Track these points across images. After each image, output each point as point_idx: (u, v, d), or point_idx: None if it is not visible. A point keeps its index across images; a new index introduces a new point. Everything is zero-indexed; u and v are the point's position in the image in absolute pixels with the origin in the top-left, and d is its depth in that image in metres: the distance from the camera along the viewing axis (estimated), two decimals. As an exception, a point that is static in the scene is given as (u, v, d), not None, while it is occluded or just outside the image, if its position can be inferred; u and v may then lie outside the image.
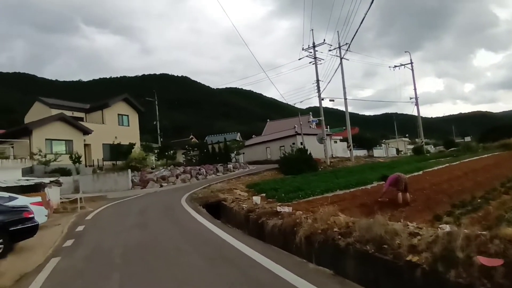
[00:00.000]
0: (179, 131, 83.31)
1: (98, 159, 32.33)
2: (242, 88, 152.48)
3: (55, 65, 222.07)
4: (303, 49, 31.79)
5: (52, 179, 16.71)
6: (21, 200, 11.65)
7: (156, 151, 36.82)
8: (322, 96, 32.09)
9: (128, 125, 36.33)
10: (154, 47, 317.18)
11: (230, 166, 31.73)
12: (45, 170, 26.51)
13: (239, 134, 53.51)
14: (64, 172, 27.01)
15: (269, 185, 19.79)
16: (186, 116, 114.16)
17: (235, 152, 34.44)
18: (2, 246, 8.25)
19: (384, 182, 12.31)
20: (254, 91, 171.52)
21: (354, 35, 34.39)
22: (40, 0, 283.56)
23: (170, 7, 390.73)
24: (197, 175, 28.26)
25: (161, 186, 24.98)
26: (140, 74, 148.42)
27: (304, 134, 35.15)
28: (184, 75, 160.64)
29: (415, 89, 41.93)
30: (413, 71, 41.98)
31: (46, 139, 28.52)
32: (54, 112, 31.45)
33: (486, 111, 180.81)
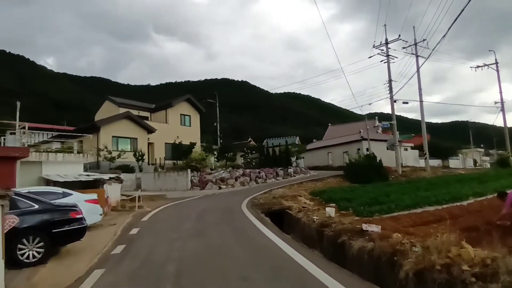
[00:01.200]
0: (238, 135, 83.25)
1: (160, 158, 32.22)
2: (300, 93, 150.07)
3: (128, 70, 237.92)
4: (374, 47, 28.91)
5: (112, 175, 16.03)
6: (75, 197, 10.71)
7: (215, 152, 36.06)
8: (392, 98, 28.82)
9: (190, 125, 36.02)
10: (217, 52, 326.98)
11: (290, 170, 29.73)
12: (110, 166, 26.64)
13: (298, 138, 51.29)
14: (128, 169, 26.97)
15: (338, 193, 17.44)
16: (244, 120, 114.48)
17: (295, 156, 32.40)
18: (43, 250, 7.08)
19: (500, 199, 9.45)
20: (312, 95, 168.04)
21: (443, 36, 30.48)
22: (117, 10, 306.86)
23: (235, 14, 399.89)
24: (257, 179, 26.65)
25: (220, 188, 23.72)
26: (203, 79, 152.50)
27: (371, 139, 32.00)
28: (244, 80, 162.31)
29: (500, 92, 36.40)
30: (498, 71, 36.57)
31: (112, 136, 28.84)
32: (122, 110, 31.94)
33: None
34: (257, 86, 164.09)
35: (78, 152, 16.23)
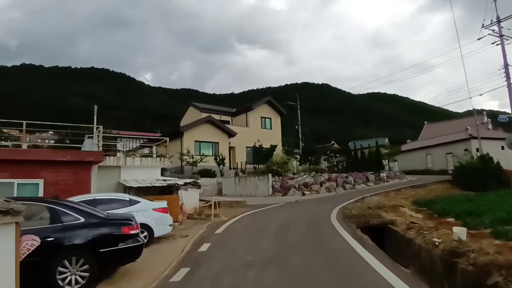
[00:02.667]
0: (319, 138, 79.66)
1: (241, 162, 31.10)
2: (385, 92, 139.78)
3: (213, 80, 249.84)
4: (483, 27, 23.65)
5: (188, 180, 14.81)
6: (143, 205, 9.37)
7: (297, 156, 33.77)
8: (510, 86, 23.08)
9: (270, 128, 34.34)
10: (297, 57, 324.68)
11: (383, 175, 25.87)
12: (193, 170, 26.18)
13: (387, 139, 46.15)
14: (209, 173, 26.23)
15: (454, 204, 13.68)
16: (325, 123, 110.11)
17: (387, 159, 28.32)
18: (88, 274, 5.57)
19: None
20: (399, 94, 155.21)
21: None
22: (203, 25, 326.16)
23: (315, 16, 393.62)
24: (344, 184, 23.57)
25: (303, 194, 21.30)
26: (283, 84, 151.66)
27: (482, 137, 26.39)
28: (324, 83, 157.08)
29: None
30: None
31: (195, 141, 28.52)
32: (204, 115, 31.65)
33: None
34: (338, 88, 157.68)
35: (158, 156, 15.39)
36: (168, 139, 17.18)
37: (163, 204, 9.84)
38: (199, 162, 26.21)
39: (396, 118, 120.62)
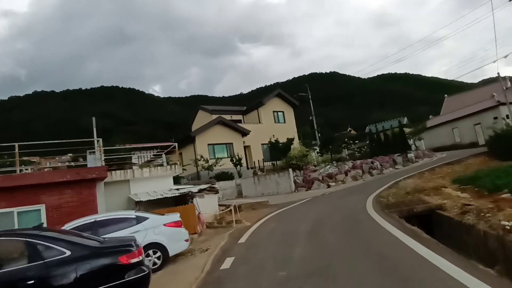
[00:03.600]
0: (334, 127, 77.57)
1: (258, 160, 29.73)
2: (396, 72, 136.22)
3: (221, 84, 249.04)
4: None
5: (204, 186, 13.52)
6: (153, 221, 8.11)
7: (316, 147, 32.18)
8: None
9: (284, 122, 32.83)
10: (302, 48, 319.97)
11: (411, 155, 23.99)
12: (209, 175, 25.00)
13: (406, 118, 43.92)
14: (226, 176, 24.99)
15: (501, 177, 11.92)
16: (339, 112, 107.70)
17: (412, 139, 26.34)
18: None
19: None
20: (410, 72, 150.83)
21: None
22: (204, 31, 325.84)
23: (314, 4, 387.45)
24: (370, 170, 21.89)
25: (329, 186, 19.77)
26: (290, 78, 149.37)
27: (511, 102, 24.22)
28: (332, 71, 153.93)
29: None
30: None
31: (208, 144, 27.34)
32: (215, 117, 30.45)
33: None
34: (347, 74, 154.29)
35: (168, 164, 14.16)
36: (176, 144, 15.89)
37: (176, 217, 8.56)
38: (214, 165, 25.02)
39: (410, 96, 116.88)
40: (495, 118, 26.02)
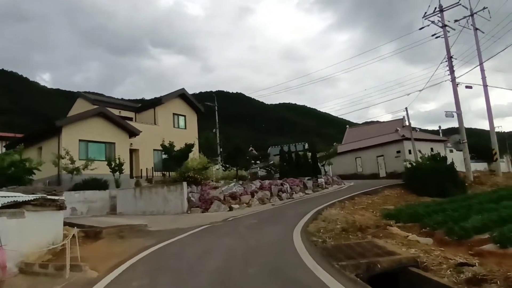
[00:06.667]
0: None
1: (147, 169, 23.84)
2: (296, 104, 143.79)
3: (124, 85, 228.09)
4: (424, 17, 21.34)
5: (29, 197, 7.60)
6: None
7: (217, 160, 27.85)
8: (454, 80, 20.96)
9: (185, 128, 27.75)
10: (214, 65, 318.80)
11: (321, 180, 21.42)
12: (72, 180, 18.26)
13: (306, 144, 43.28)
14: (99, 184, 18.57)
15: (454, 217, 9.36)
16: (241, 131, 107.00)
17: (322, 163, 24.19)
18: None
19: None
20: (308, 106, 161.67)
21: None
22: (114, 24, 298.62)
23: (232, 26, 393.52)
24: (280, 193, 18.36)
25: (230, 209, 15.39)
26: (197, 92, 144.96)
27: (416, 139, 24.06)
28: (239, 92, 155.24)
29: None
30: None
31: (79, 140, 20.45)
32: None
33: None
34: (253, 97, 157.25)
35: None
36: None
37: None
38: (83, 169, 18.42)
39: (305, 126, 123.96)
40: (398, 152, 25.77)
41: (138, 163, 24.11)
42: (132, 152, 23.85)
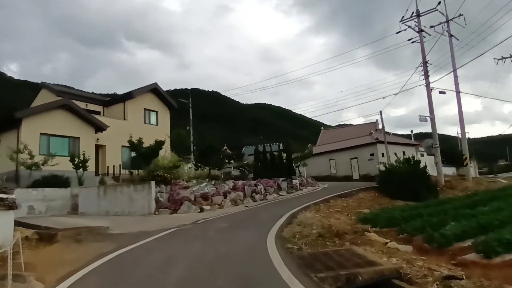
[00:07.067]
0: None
1: (114, 166, 22.57)
2: (271, 104, 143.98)
3: (95, 78, 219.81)
4: (401, 21, 21.49)
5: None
6: None
7: (189, 159, 26.92)
8: (429, 85, 21.22)
9: (157, 124, 26.63)
10: (190, 62, 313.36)
11: (295, 182, 21.05)
12: (31, 176, 16.86)
13: (281, 144, 43.02)
14: (59, 181, 17.25)
15: (414, 220, 9.24)
16: (215, 130, 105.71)
17: (297, 164, 23.83)
18: None
19: None
20: (284, 107, 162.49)
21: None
22: (87, 15, 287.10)
23: (210, 23, 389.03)
24: (253, 194, 17.79)
25: (201, 210, 14.64)
26: (172, 88, 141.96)
27: (389, 142, 24.26)
28: (214, 90, 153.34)
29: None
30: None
31: (40, 134, 18.98)
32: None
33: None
34: (228, 96, 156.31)
35: None
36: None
37: None
38: (43, 164, 17.06)
39: (280, 128, 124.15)
40: (372, 154, 25.92)
41: (105, 160, 22.81)
42: (99, 148, 22.53)
